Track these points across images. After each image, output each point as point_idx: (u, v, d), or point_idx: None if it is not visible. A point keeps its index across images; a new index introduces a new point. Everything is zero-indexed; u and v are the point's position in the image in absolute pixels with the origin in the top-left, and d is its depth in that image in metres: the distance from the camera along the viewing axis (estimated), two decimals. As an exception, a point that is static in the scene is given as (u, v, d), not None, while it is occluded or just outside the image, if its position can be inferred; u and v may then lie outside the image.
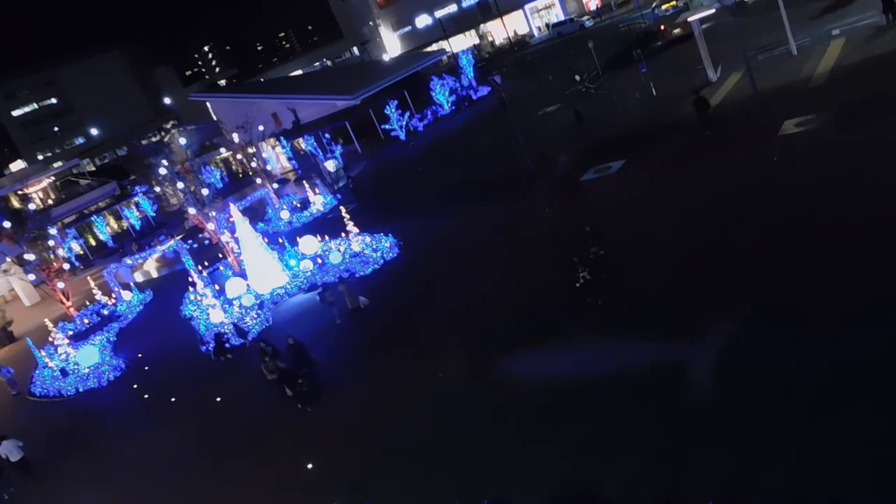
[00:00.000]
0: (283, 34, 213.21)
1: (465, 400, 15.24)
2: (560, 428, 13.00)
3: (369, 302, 22.30)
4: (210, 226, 33.38)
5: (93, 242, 61.46)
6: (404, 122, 50.91)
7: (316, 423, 17.19)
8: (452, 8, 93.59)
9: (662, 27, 47.53)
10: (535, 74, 54.70)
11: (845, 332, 12.10)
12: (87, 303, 37.97)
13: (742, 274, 15.29)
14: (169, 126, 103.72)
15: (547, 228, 22.82)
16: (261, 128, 54.12)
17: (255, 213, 40.42)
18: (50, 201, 67.10)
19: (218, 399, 20.63)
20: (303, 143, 55.41)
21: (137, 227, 61.97)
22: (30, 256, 35.38)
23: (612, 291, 16.97)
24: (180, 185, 34.61)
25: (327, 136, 52.56)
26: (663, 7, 52.03)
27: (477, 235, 25.20)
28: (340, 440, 15.93)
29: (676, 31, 45.33)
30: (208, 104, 77.11)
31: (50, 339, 31.36)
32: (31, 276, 37.74)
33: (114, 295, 36.62)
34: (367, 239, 27.71)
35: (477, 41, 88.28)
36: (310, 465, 15.30)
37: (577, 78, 43.30)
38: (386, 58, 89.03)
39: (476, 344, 17.37)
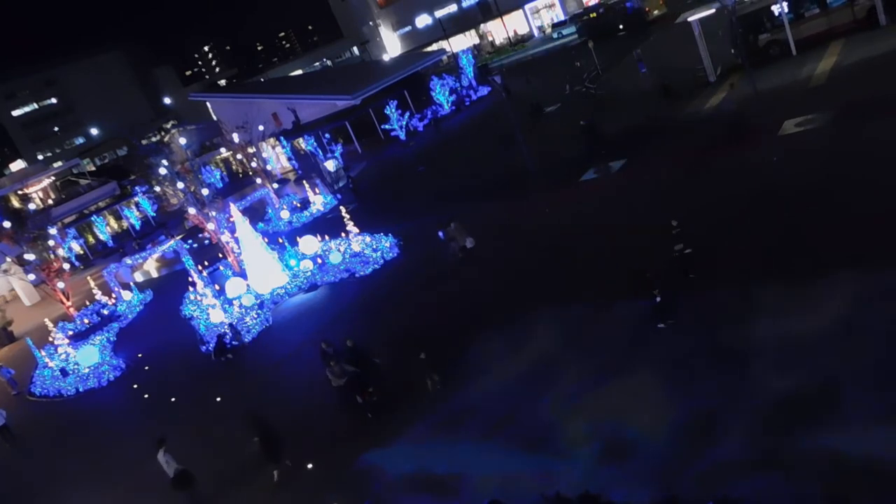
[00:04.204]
0: (283, 34, 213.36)
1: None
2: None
3: (475, 243, 22.81)
4: (210, 226, 33.32)
5: (93, 242, 61.43)
6: (404, 122, 50.89)
7: (319, 422, 17.16)
8: (452, 8, 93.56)
9: (647, 8, 55.93)
10: (534, 74, 54.65)
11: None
12: (87, 303, 37.94)
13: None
14: (169, 126, 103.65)
15: (548, 227, 22.82)
16: (261, 128, 54.07)
17: (255, 213, 40.34)
18: (50, 201, 67.02)
19: (218, 399, 20.61)
20: (303, 143, 55.40)
21: (137, 227, 61.94)
22: (30, 256, 35.30)
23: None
24: (180, 185, 34.54)
25: (327, 136, 52.54)
26: None
27: (476, 235, 25.12)
28: (342, 439, 15.91)
29: (655, 11, 55.04)
30: (208, 104, 77.10)
31: (50, 339, 31.33)
32: (31, 276, 37.66)
33: (114, 295, 36.60)
34: (367, 239, 27.69)
35: (477, 41, 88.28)
36: (310, 465, 15.28)
37: (578, 65, 43.80)
38: (386, 58, 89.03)
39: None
